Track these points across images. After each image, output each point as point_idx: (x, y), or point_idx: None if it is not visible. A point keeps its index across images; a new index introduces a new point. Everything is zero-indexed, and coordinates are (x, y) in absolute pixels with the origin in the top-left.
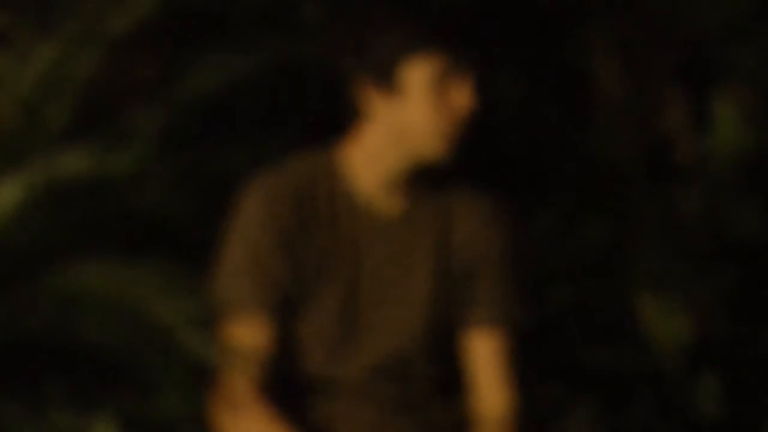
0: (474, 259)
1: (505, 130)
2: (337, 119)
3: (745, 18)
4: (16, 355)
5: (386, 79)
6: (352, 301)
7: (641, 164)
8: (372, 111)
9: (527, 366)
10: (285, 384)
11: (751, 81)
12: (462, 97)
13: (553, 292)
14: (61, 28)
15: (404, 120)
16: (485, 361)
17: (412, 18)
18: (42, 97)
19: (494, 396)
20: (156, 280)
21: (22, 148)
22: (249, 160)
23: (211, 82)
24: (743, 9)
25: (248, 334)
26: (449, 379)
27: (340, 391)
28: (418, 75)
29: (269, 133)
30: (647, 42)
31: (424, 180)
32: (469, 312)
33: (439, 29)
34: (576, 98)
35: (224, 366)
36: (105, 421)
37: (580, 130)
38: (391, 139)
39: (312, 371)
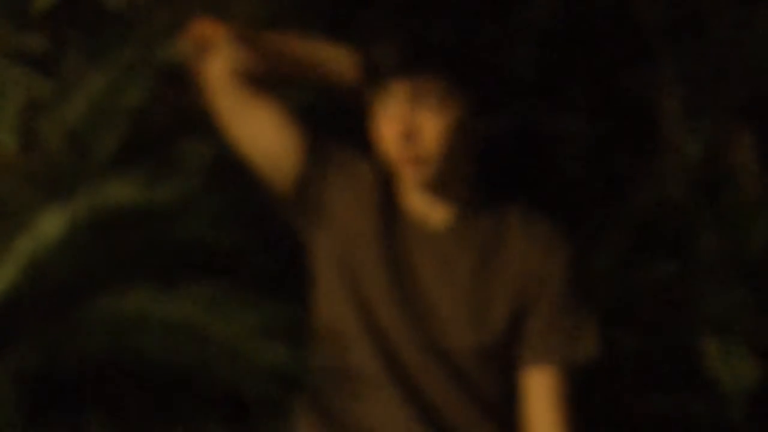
0: (528, 289)
1: (566, 165)
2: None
3: None
4: (72, 380)
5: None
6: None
7: (706, 202)
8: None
9: (585, 411)
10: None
11: None
12: (427, 126)
13: (612, 335)
14: (110, 57)
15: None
16: (540, 400)
17: (398, 38)
18: (90, 126)
19: None
20: (210, 298)
21: (68, 177)
22: None
23: None
24: None
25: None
26: (502, 406)
27: (384, 391)
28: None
29: None
30: (712, 78)
31: (474, 197)
32: (524, 347)
33: (409, 56)
34: (639, 134)
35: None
36: None
37: (643, 166)
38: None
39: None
